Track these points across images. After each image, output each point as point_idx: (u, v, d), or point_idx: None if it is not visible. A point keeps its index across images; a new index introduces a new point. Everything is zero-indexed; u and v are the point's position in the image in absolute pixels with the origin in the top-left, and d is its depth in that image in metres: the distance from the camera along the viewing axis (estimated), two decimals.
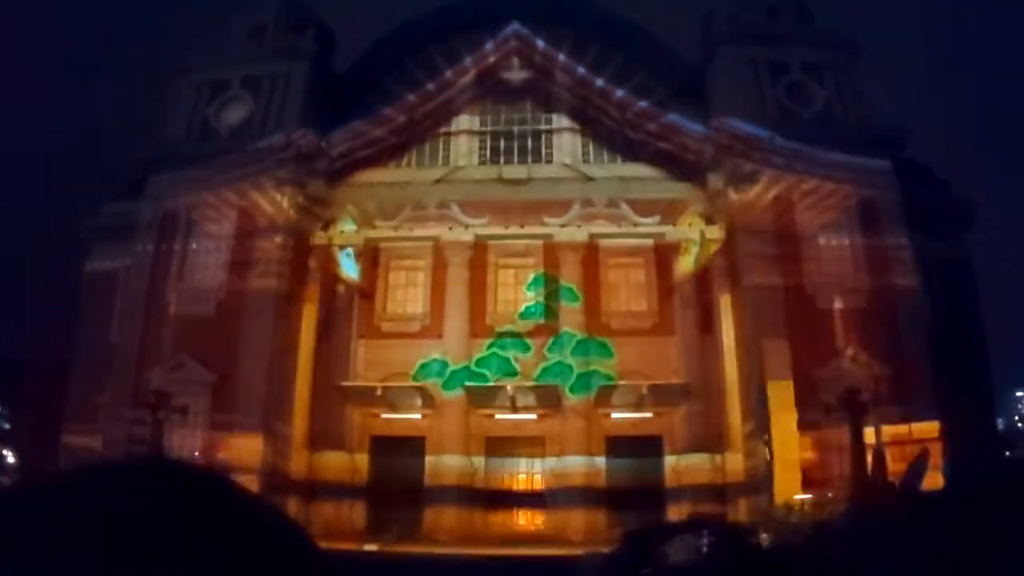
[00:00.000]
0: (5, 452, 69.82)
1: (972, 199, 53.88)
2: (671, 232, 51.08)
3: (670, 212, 51.21)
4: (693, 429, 48.51)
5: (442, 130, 54.71)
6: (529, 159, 54.37)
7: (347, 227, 51.95)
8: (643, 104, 50.64)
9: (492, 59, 53.27)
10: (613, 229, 51.80)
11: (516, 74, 53.63)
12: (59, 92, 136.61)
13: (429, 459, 48.51)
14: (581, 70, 51.97)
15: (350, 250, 51.20)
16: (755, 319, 42.27)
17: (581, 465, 47.27)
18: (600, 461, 47.99)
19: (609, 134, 52.97)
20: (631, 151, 52.40)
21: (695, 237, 49.69)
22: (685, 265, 49.78)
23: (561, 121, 54.71)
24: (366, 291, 52.68)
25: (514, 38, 53.02)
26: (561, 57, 52.30)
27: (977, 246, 53.31)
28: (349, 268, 51.12)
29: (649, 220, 51.42)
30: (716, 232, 48.61)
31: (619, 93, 51.13)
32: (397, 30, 54.98)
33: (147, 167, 47.98)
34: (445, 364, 50.02)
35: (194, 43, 51.80)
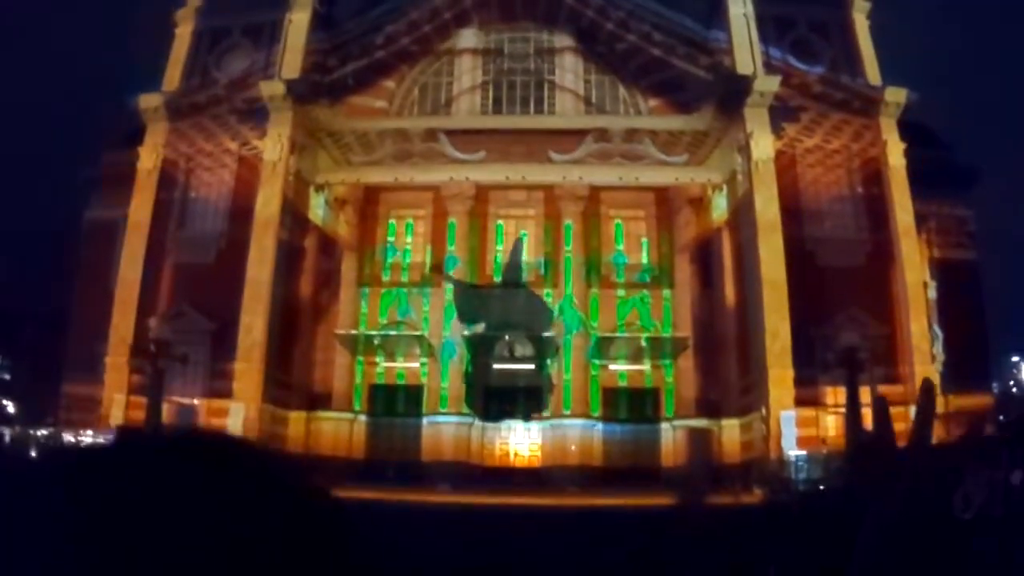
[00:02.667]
0: (5, 402, 70.17)
1: (974, 161, 53.78)
2: (696, 173, 50.53)
3: (695, 152, 50.53)
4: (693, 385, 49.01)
5: (443, 47, 53.95)
6: (532, 92, 53.68)
7: (344, 175, 51.75)
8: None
9: None
10: (624, 172, 50.85)
11: None
12: (55, 37, 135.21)
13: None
14: None
15: (322, 198, 50.97)
16: (762, 275, 42.07)
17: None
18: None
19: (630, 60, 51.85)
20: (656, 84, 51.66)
21: (719, 181, 49.15)
22: (717, 211, 49.39)
23: (569, 42, 53.68)
24: (346, 240, 52.60)
25: None
26: None
27: (977, 208, 53.26)
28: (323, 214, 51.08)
29: (675, 159, 50.51)
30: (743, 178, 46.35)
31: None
32: None
33: (147, 115, 47.66)
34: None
35: None
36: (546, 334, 49.88)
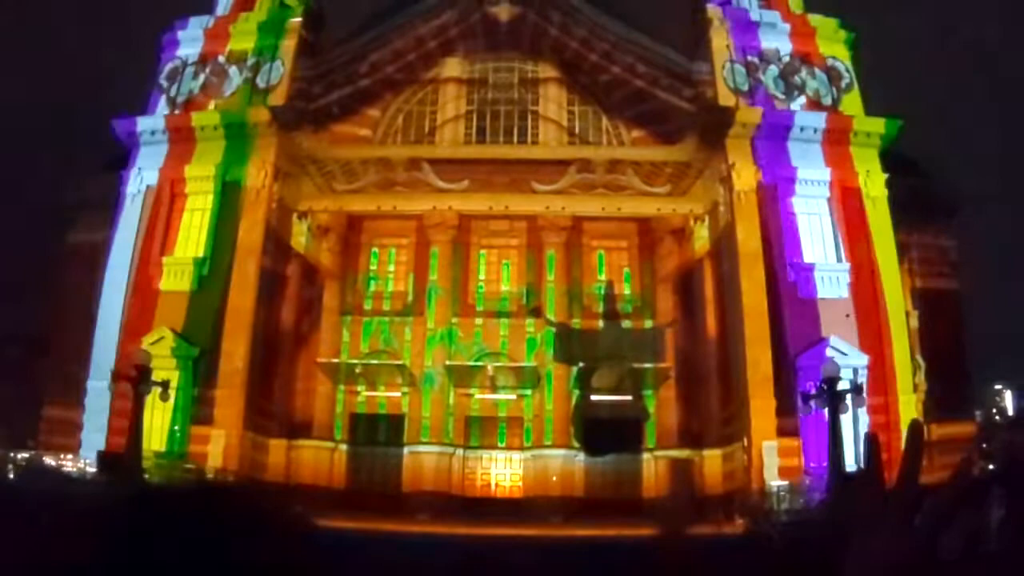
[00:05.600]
0: None
1: (957, 190, 54.33)
2: (679, 204, 50.92)
3: (677, 183, 50.82)
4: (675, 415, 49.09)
5: (428, 76, 54.09)
6: (516, 122, 53.69)
7: (327, 202, 51.89)
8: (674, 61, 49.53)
9: None
10: (607, 203, 51.22)
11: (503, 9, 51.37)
12: (41, 61, 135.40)
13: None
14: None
15: (305, 226, 51.11)
16: (743, 305, 42.16)
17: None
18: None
19: (614, 91, 51.99)
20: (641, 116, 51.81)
21: (701, 212, 49.66)
22: (699, 242, 49.66)
23: (553, 73, 54.01)
24: (329, 268, 52.65)
25: None
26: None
27: (961, 236, 53.74)
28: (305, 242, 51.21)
29: (658, 190, 50.89)
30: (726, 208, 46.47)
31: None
32: (389, 6, 54.26)
33: (132, 139, 47.66)
34: None
35: (180, 14, 51.16)
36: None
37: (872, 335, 41.49)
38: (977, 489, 2.27)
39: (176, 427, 41.15)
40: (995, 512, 2.89)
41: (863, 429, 37.18)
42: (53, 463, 41.17)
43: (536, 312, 51.01)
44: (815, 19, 48.52)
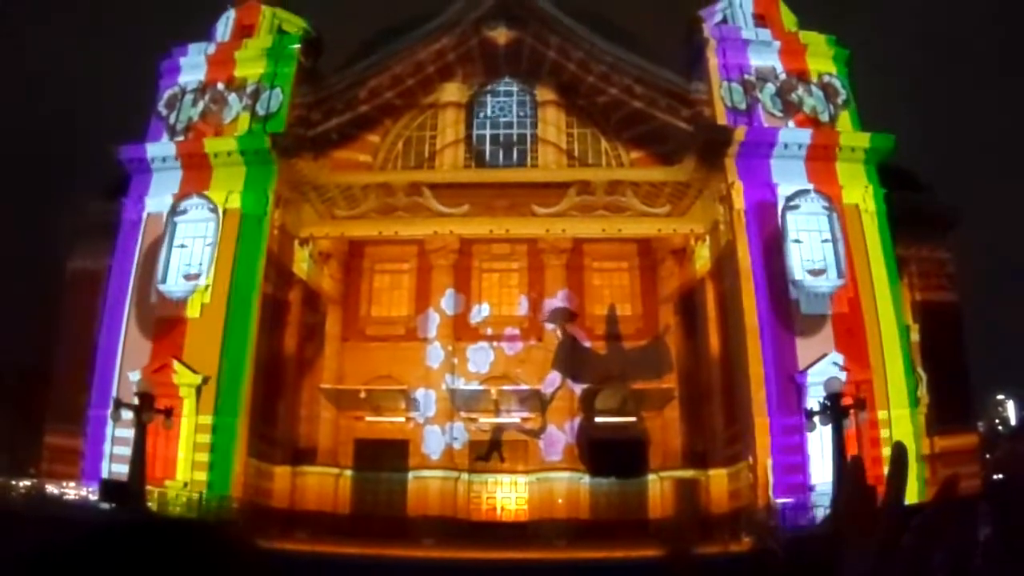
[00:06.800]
0: None
1: (955, 203, 54.40)
2: (679, 224, 50.93)
3: (677, 203, 50.87)
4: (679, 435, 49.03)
5: (427, 101, 54.33)
6: (515, 146, 54.07)
7: (328, 228, 52.03)
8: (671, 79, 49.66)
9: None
10: (607, 224, 51.20)
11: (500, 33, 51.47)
12: (41, 88, 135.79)
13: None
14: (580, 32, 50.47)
15: (306, 252, 51.27)
16: (745, 323, 42.11)
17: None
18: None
19: (611, 113, 52.28)
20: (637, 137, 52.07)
21: (702, 231, 49.67)
22: (700, 261, 49.70)
23: (552, 95, 54.11)
24: (331, 294, 52.79)
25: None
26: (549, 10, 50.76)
27: (959, 248, 53.83)
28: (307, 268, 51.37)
29: (658, 210, 50.93)
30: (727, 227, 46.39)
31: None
32: (383, 32, 54.41)
33: (135, 166, 47.70)
34: None
35: (180, 41, 51.32)
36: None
37: (872, 350, 41.40)
38: (964, 506, 2.28)
39: (181, 455, 41.03)
40: (982, 529, 2.91)
41: (863, 444, 37.13)
42: (55, 491, 41.11)
43: (557, 317, 50.93)
44: (809, 36, 48.63)
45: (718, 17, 50.04)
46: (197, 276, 44.44)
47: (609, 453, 48.10)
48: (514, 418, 50.48)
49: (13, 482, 46.35)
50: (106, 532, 1.55)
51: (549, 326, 50.93)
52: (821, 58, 47.95)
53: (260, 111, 48.07)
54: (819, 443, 35.97)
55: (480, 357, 51.75)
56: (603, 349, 51.53)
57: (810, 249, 42.93)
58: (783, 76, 47.10)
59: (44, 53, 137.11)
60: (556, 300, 51.61)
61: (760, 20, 49.78)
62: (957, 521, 2.24)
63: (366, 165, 53.07)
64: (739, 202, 44.08)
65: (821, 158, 44.85)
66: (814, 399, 35.79)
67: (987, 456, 47.00)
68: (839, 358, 40.18)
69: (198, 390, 42.06)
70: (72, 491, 40.37)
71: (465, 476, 49.01)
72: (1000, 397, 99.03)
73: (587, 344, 51.55)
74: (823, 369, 39.02)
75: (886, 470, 2.32)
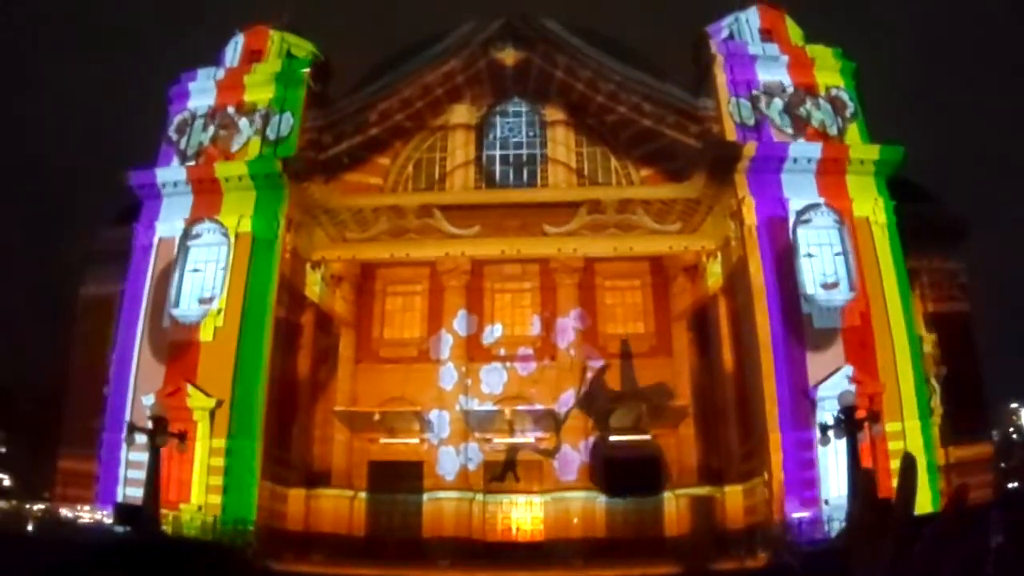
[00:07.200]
0: (2, 476, 69.76)
1: (965, 213, 54.33)
2: (690, 241, 50.92)
3: (688, 220, 50.80)
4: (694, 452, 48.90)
5: (436, 123, 54.63)
6: (525, 166, 54.22)
7: (340, 251, 52.17)
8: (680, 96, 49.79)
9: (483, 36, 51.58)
10: (618, 243, 51.21)
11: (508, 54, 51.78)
12: (51, 115, 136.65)
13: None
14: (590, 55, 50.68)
15: (318, 275, 51.44)
16: (759, 339, 41.96)
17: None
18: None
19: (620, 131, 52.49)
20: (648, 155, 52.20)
21: (713, 248, 49.55)
22: (712, 278, 49.62)
23: (561, 115, 54.40)
24: (343, 317, 52.92)
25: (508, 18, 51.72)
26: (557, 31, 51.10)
27: (971, 258, 53.72)
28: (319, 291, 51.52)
29: (669, 227, 50.91)
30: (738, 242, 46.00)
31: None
32: (394, 56, 54.60)
33: (146, 191, 47.88)
34: None
35: (189, 66, 51.57)
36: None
37: (885, 362, 41.18)
38: (976, 515, 2.29)
39: (195, 478, 40.98)
40: (994, 537, 2.91)
41: (877, 457, 36.92)
42: (69, 514, 41.14)
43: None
44: (816, 50, 48.55)
45: (725, 33, 50.14)
46: (210, 300, 44.44)
47: (624, 472, 47.92)
48: (528, 438, 50.45)
49: (27, 506, 46.42)
50: (117, 553, 1.56)
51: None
52: (828, 71, 47.86)
53: (270, 135, 48.21)
54: (833, 457, 35.73)
55: (493, 378, 51.79)
56: (616, 368, 51.43)
57: (821, 263, 42.78)
58: (791, 90, 47.08)
59: (52, 81, 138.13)
60: (569, 319, 51.63)
61: (767, 35, 49.86)
62: (968, 529, 2.25)
63: (377, 188, 53.29)
64: (750, 218, 43.98)
65: (831, 172, 44.70)
66: (828, 413, 35.57)
67: (1002, 465, 46.78)
68: (851, 371, 39.98)
69: (212, 413, 42.02)
70: (86, 515, 40.39)
71: (480, 497, 48.91)
72: (1014, 406, 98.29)
73: (600, 363, 51.46)
74: (836, 383, 38.82)
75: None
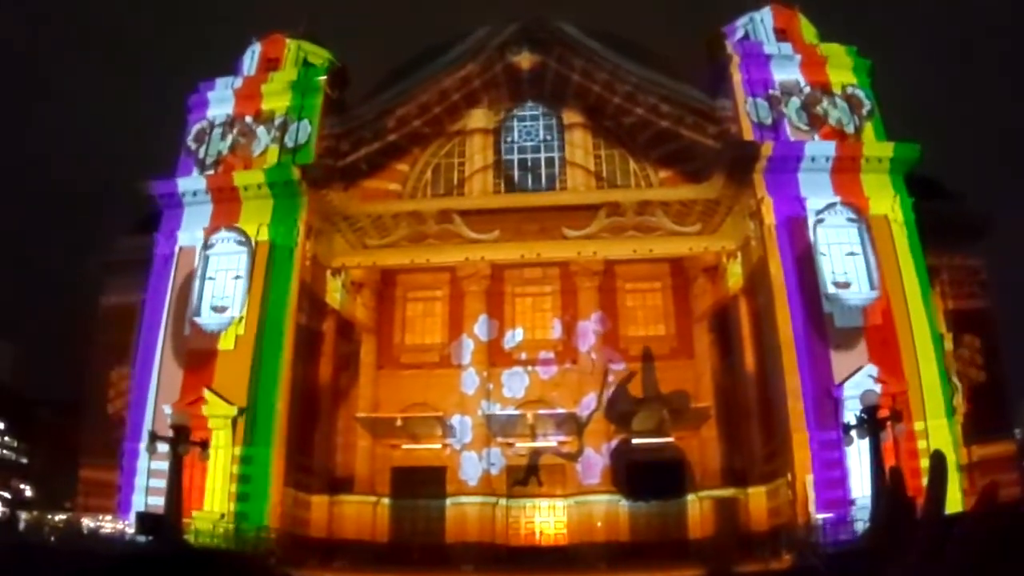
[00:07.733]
0: (24, 486, 70.13)
1: (986, 210, 53.95)
2: (710, 242, 50.67)
3: (708, 221, 50.64)
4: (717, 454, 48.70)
5: (454, 128, 54.69)
6: (543, 170, 54.17)
7: (360, 258, 52.22)
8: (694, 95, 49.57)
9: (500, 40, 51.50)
10: (638, 245, 51.01)
11: (524, 58, 51.92)
12: (71, 127, 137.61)
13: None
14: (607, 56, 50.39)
15: (339, 282, 51.50)
16: (780, 338, 41.75)
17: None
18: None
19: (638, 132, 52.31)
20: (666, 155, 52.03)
21: (733, 248, 49.33)
22: (732, 278, 49.39)
23: (578, 118, 54.30)
24: (364, 323, 52.99)
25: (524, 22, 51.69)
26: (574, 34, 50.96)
27: (992, 255, 53.36)
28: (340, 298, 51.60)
29: (688, 229, 50.74)
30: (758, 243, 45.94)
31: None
32: (410, 61, 54.58)
33: (162, 201, 48.04)
34: None
35: (207, 76, 51.71)
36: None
37: (907, 361, 40.90)
38: (1005, 516, 2.22)
39: (216, 486, 41.07)
40: None
41: (901, 456, 36.64)
42: (91, 524, 41.29)
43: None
44: (831, 48, 48.33)
45: (740, 33, 49.96)
46: (231, 308, 44.58)
47: (647, 475, 47.77)
48: (551, 442, 50.36)
49: (49, 516, 46.64)
50: (139, 563, 1.52)
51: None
52: (843, 69, 47.65)
53: (288, 143, 48.33)
54: (857, 456, 35.51)
55: (515, 382, 51.73)
56: (638, 370, 51.30)
57: (841, 262, 42.56)
58: (807, 89, 46.86)
59: (71, 92, 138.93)
60: (590, 322, 51.54)
61: (781, 34, 49.65)
62: (998, 528, 2.18)
63: (396, 194, 53.33)
64: (769, 217, 43.83)
65: (847, 170, 44.49)
66: (851, 412, 35.33)
67: None
68: (874, 370, 39.73)
69: (233, 421, 42.16)
70: (108, 524, 40.55)
71: (503, 501, 48.87)
72: None
73: (622, 365, 51.36)
74: (859, 382, 38.59)
75: (925, 481, 2.26)
